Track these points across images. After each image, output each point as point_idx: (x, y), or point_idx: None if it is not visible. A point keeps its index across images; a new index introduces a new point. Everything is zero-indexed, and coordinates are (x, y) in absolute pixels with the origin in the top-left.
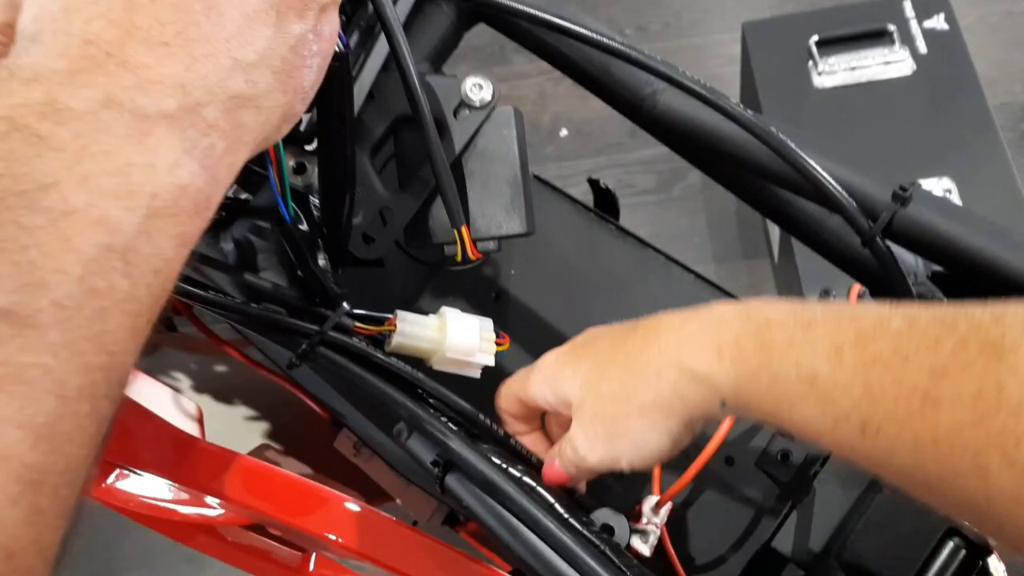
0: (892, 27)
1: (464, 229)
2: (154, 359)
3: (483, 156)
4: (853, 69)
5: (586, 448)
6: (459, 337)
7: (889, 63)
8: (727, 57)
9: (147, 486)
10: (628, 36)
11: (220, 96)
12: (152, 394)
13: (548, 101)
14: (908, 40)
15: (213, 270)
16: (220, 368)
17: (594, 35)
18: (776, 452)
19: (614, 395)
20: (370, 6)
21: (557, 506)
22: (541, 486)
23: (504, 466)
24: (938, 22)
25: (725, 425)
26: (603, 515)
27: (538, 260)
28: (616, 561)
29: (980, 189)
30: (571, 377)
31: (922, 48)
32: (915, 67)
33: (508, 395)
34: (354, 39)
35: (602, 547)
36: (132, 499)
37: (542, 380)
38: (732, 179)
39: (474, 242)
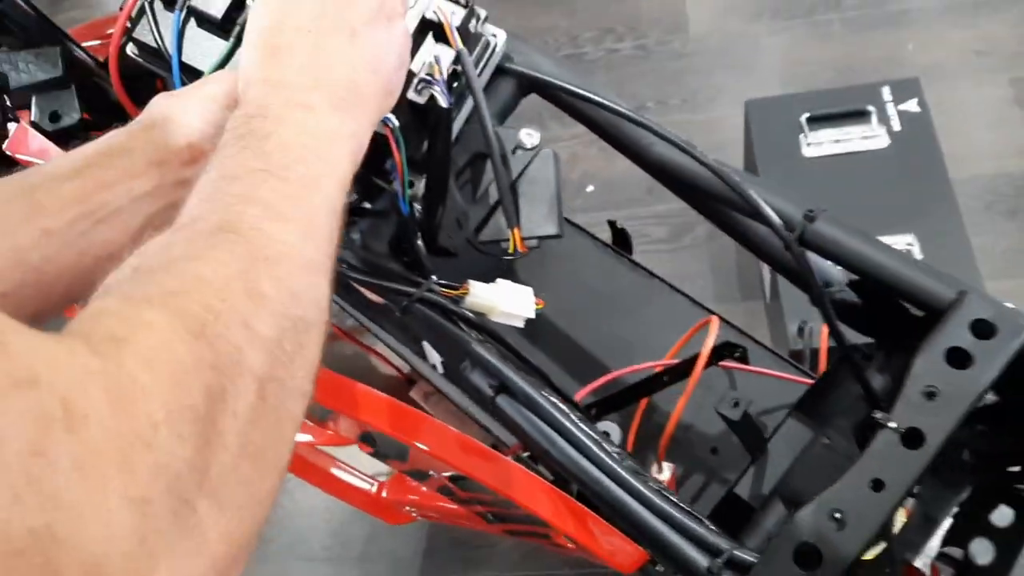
0: (871, 108)
1: (516, 229)
2: None
3: (530, 181)
4: (837, 142)
5: None
6: (510, 298)
7: (867, 138)
8: (734, 129)
9: None
10: (650, 109)
11: (343, 84)
12: None
13: (578, 161)
14: (885, 120)
15: (346, 251)
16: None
17: (611, 103)
18: (730, 400)
19: None
20: (463, 79)
21: (572, 415)
22: (564, 402)
23: (537, 387)
24: (911, 106)
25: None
26: (603, 425)
27: (566, 286)
28: (608, 449)
29: (937, 244)
30: None
31: (896, 127)
32: (890, 142)
33: None
34: (452, 100)
35: (601, 441)
36: None
37: None
38: (701, 204)
39: (522, 239)
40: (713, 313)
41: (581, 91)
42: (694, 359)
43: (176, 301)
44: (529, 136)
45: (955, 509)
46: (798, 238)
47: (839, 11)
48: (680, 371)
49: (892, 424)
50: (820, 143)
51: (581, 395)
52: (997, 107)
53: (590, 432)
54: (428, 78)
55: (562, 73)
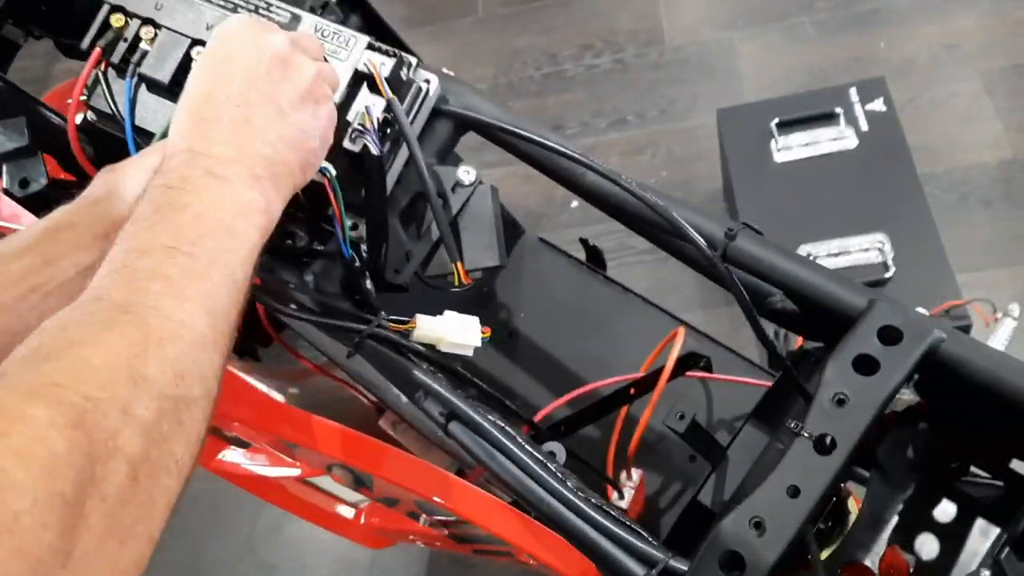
0: (839, 110)
1: (459, 263)
2: None
3: (471, 216)
4: (807, 145)
5: None
6: (456, 330)
7: (836, 139)
8: (712, 136)
9: (243, 458)
10: (630, 122)
11: (261, 161)
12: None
13: None
14: (852, 120)
15: (299, 293)
16: (293, 390)
17: (542, 139)
18: (676, 413)
19: None
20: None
21: (518, 438)
22: (508, 426)
23: (484, 413)
24: (878, 105)
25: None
26: (549, 445)
27: (542, 304)
28: (552, 469)
29: (907, 241)
30: None
31: (864, 127)
32: (858, 143)
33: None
34: (387, 146)
35: (546, 462)
36: (235, 467)
37: None
38: (635, 227)
39: (466, 272)
40: (683, 323)
41: (513, 128)
42: (659, 372)
43: (59, 392)
44: (467, 173)
45: (900, 507)
46: (721, 255)
47: (811, 14)
48: (647, 384)
49: (805, 432)
50: (790, 147)
51: (547, 411)
52: (968, 100)
53: (534, 453)
54: (360, 128)
55: (495, 111)
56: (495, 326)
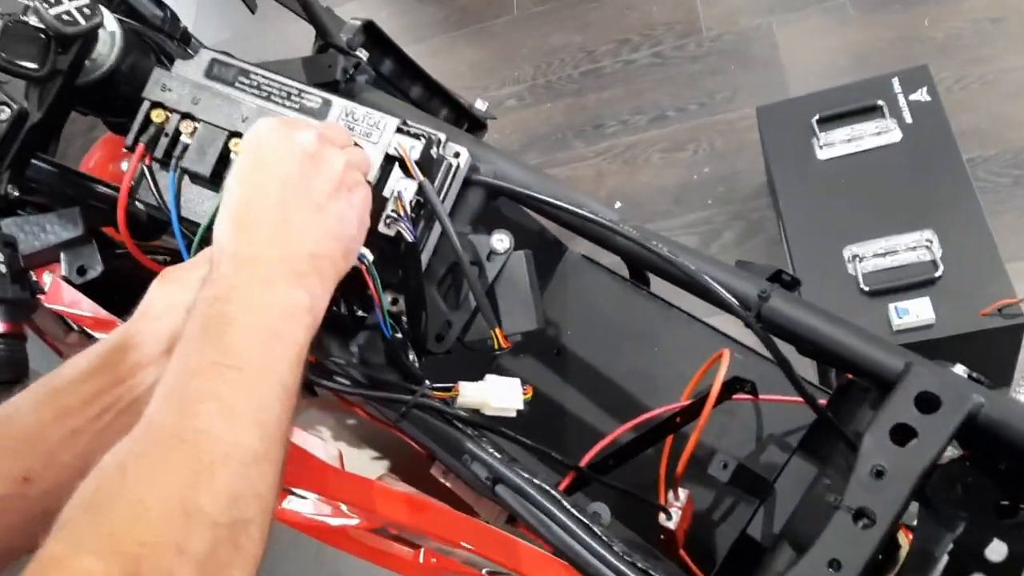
0: (882, 102)
1: (497, 330)
2: (303, 416)
3: (507, 281)
4: (849, 140)
5: None
6: (498, 393)
7: (880, 133)
8: (754, 128)
9: (304, 507)
10: (670, 117)
11: (304, 258)
12: (307, 441)
13: (604, 178)
14: (896, 112)
15: (347, 366)
16: (351, 421)
17: (569, 206)
18: (720, 462)
19: None
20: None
21: (564, 502)
22: (552, 489)
23: (528, 476)
24: (921, 95)
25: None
26: (594, 506)
27: (588, 321)
28: (598, 532)
29: (956, 237)
30: None
31: (908, 119)
32: (902, 136)
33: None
34: (421, 225)
35: (591, 525)
36: (297, 515)
37: None
38: (670, 280)
39: (505, 336)
40: (727, 337)
41: (543, 197)
42: (703, 400)
43: (113, 543)
44: (500, 242)
45: (951, 546)
46: (756, 316)
47: None
48: (692, 412)
49: (844, 506)
50: (833, 144)
51: (593, 453)
52: (1019, 76)
53: (579, 517)
54: (394, 215)
55: (525, 177)
56: (543, 342)
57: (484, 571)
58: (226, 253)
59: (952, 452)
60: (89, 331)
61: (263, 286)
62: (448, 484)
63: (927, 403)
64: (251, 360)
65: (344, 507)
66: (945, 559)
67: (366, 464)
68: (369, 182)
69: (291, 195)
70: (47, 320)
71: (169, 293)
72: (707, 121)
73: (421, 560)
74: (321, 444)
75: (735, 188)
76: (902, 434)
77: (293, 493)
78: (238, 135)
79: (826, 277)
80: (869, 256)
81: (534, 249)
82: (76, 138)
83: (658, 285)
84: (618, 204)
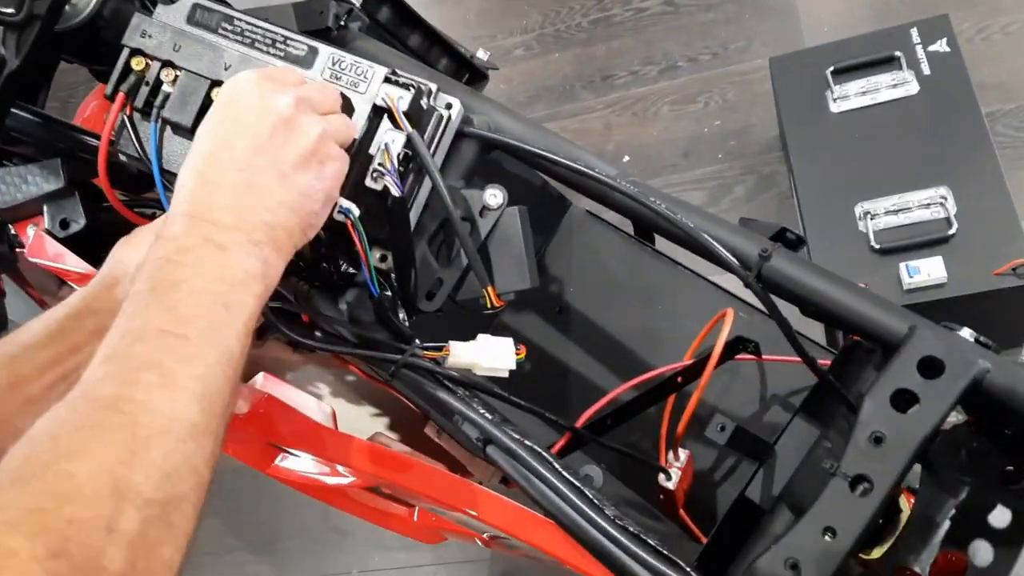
0: (899, 53)
1: (489, 288)
2: (301, 372)
3: (500, 238)
4: (864, 93)
5: None
6: (490, 354)
7: (896, 85)
8: (769, 79)
9: (301, 465)
10: (681, 68)
11: (260, 226)
12: (300, 400)
13: (613, 131)
14: (914, 64)
15: (335, 323)
16: (350, 378)
17: (565, 161)
18: (717, 424)
19: None
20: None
21: (555, 463)
22: (544, 451)
23: (519, 437)
24: (941, 46)
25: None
26: (587, 468)
27: (592, 278)
28: (589, 495)
29: (972, 194)
30: None
31: (926, 70)
32: (920, 88)
33: None
34: (410, 179)
35: (582, 488)
36: (292, 473)
37: None
38: (669, 239)
39: (498, 295)
40: (733, 296)
41: (539, 151)
42: (705, 360)
43: (41, 519)
44: (494, 197)
45: (953, 511)
46: (756, 276)
47: None
48: (694, 372)
49: (841, 472)
50: (847, 96)
51: (589, 413)
52: None
53: (570, 480)
54: (380, 168)
55: (521, 130)
56: (546, 300)
57: (485, 535)
58: (181, 211)
59: (956, 418)
60: (74, 286)
61: (216, 251)
62: (442, 444)
63: (930, 368)
64: (197, 328)
65: (340, 467)
66: (947, 524)
67: (364, 421)
68: (355, 139)
69: (258, 160)
70: (37, 274)
71: (131, 257)
72: (720, 72)
73: (416, 519)
74: (316, 402)
75: (747, 142)
76: (903, 400)
77: (289, 452)
78: (220, 84)
79: (837, 234)
80: (881, 213)
81: (536, 205)
82: (79, 87)
83: (664, 243)
84: (626, 158)
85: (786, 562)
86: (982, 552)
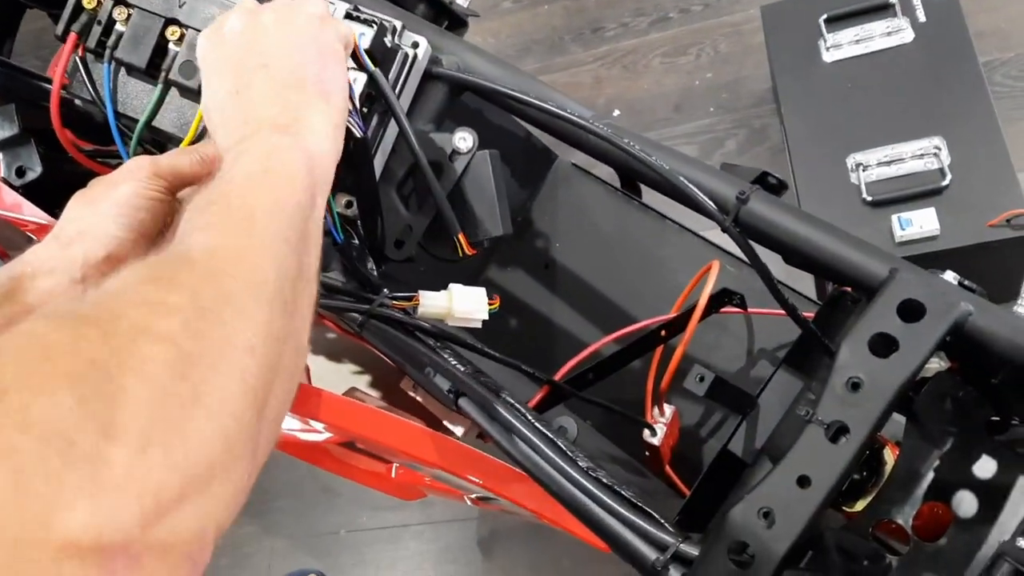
0: (894, 0)
1: (460, 235)
2: None
3: (471, 184)
4: (858, 41)
5: None
6: (462, 304)
7: (891, 33)
8: (761, 30)
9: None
10: (672, 19)
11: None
12: None
13: (603, 84)
14: (909, 11)
15: None
16: (331, 336)
17: (536, 102)
18: (696, 375)
19: None
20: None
21: (528, 415)
22: (517, 402)
23: (492, 388)
24: None
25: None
26: (560, 420)
27: (578, 233)
28: (562, 446)
29: (967, 145)
30: None
31: (922, 17)
32: (915, 36)
33: None
34: (374, 120)
35: (555, 440)
36: None
37: None
38: (645, 182)
39: (470, 243)
40: (723, 250)
41: (511, 92)
42: (690, 313)
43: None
44: (463, 140)
45: (937, 462)
46: (734, 220)
47: None
48: (678, 325)
49: (816, 419)
50: (840, 45)
51: (570, 366)
52: None
53: (543, 431)
54: None
55: (493, 71)
56: (532, 255)
57: (473, 495)
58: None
59: (939, 364)
60: (33, 237)
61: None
62: (419, 399)
63: (911, 311)
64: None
65: (312, 421)
66: (931, 476)
67: (344, 378)
68: None
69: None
70: (3, 228)
71: (85, 218)
72: (712, 23)
73: (394, 476)
74: None
75: (739, 94)
76: (883, 344)
77: None
78: (175, 22)
79: (828, 187)
80: (873, 164)
81: (520, 157)
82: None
83: (652, 197)
84: (616, 112)
85: (759, 511)
86: (966, 503)
